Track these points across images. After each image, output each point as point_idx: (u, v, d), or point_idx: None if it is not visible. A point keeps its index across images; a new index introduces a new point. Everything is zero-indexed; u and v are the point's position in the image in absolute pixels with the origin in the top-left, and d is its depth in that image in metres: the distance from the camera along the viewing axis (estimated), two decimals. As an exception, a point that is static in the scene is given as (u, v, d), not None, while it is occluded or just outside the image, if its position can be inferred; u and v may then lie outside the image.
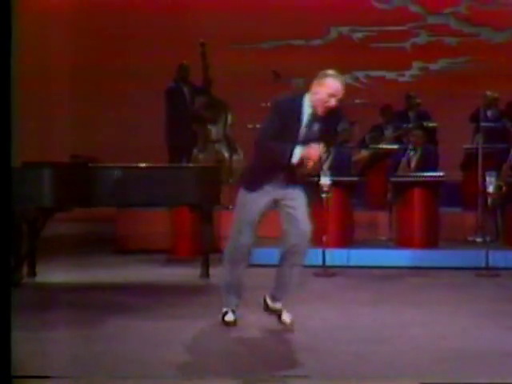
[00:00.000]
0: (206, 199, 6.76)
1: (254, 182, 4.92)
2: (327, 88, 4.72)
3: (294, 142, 4.74)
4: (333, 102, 4.71)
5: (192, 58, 9.55)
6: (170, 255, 8.15)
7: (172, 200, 6.73)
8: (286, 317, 5.05)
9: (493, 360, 4.31)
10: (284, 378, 4.02)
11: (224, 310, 5.10)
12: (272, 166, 4.83)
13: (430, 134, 9.59)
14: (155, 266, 7.73)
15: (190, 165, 7.68)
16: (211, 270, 6.92)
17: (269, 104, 9.58)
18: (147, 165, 6.77)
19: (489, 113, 9.69)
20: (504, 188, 7.63)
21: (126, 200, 6.71)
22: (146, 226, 8.57)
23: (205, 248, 6.94)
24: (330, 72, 4.88)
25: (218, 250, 7.91)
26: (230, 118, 9.51)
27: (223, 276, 5.17)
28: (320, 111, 4.72)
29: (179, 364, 4.20)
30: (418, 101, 10.33)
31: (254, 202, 4.95)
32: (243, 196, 4.97)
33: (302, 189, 5.03)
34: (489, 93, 9.76)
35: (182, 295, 6.32)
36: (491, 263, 7.12)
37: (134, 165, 6.76)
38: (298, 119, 4.78)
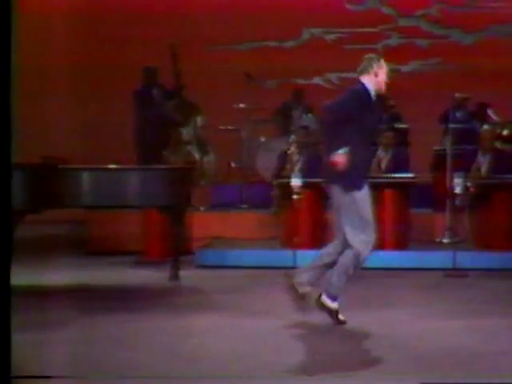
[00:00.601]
0: (176, 201, 6.74)
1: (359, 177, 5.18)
2: (384, 67, 5.26)
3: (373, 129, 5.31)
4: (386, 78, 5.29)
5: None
6: (141, 257, 8.14)
7: (143, 201, 6.70)
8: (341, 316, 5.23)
9: (462, 359, 4.38)
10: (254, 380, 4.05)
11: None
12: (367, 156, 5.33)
13: (401, 135, 9.64)
14: (126, 268, 7.70)
15: (161, 166, 7.66)
16: (182, 272, 6.91)
17: (241, 105, 9.75)
18: (118, 166, 6.75)
19: (458, 114, 9.76)
20: (471, 189, 7.72)
21: (96, 201, 6.68)
22: (118, 227, 8.55)
23: (175, 250, 6.92)
24: (373, 54, 5.38)
25: (189, 251, 7.94)
26: (200, 119, 9.50)
27: (347, 272, 5.24)
28: (383, 90, 5.28)
29: (149, 365, 4.20)
30: (392, 103, 10.38)
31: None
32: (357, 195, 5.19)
33: None
34: (458, 94, 9.84)
35: (151, 297, 6.33)
36: (459, 264, 7.19)
37: (105, 166, 6.74)
38: (373, 107, 5.25)
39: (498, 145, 8.46)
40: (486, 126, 8.65)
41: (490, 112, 9.55)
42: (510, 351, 4.57)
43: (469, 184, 7.63)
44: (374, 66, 5.22)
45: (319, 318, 5.42)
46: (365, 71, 5.25)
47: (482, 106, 9.80)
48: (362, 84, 5.22)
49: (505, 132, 9.11)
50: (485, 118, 9.45)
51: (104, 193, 6.53)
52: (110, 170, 6.67)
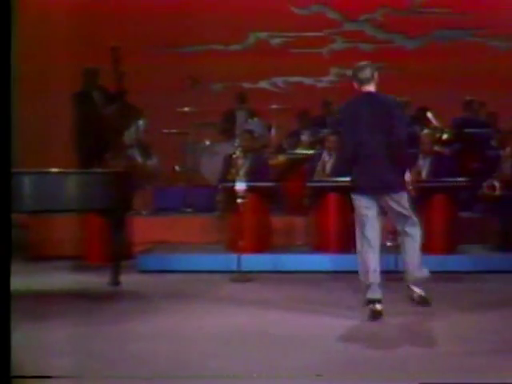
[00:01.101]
0: (116, 205, 6.66)
1: None
2: None
3: None
4: None
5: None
6: (82, 261, 8.03)
7: (82, 205, 6.60)
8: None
9: (394, 359, 4.40)
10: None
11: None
12: None
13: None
14: (66, 273, 7.62)
15: (100, 170, 7.56)
16: (123, 277, 6.83)
17: (186, 109, 9.68)
18: (58, 170, 6.64)
19: (400, 118, 9.84)
20: (412, 192, 7.77)
21: (37, 206, 6.56)
22: (59, 232, 8.43)
23: (115, 254, 6.83)
24: (366, 62, 5.73)
25: (130, 256, 7.85)
26: (142, 123, 9.38)
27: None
28: None
29: (91, 370, 4.17)
30: (336, 107, 10.44)
31: None
32: None
33: None
34: (399, 99, 9.92)
35: (90, 302, 6.24)
36: (400, 266, 7.22)
37: (45, 170, 6.63)
38: None
39: (437, 148, 8.56)
40: (426, 131, 8.75)
41: (429, 115, 9.67)
42: (438, 352, 4.61)
43: (410, 187, 7.68)
44: (376, 73, 5.59)
45: (256, 321, 5.43)
46: (372, 80, 5.55)
47: (422, 110, 9.92)
48: (376, 92, 5.56)
49: (444, 136, 9.24)
50: (424, 122, 9.56)
51: (44, 197, 6.41)
52: (50, 173, 6.55)
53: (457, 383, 4.00)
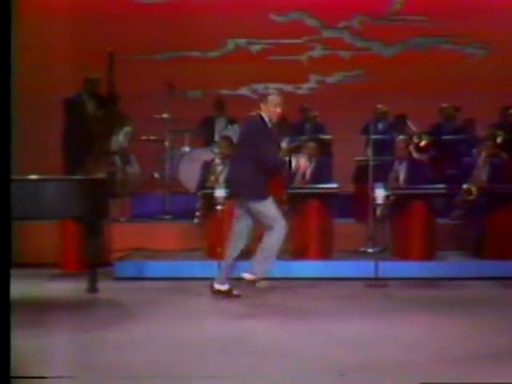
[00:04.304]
0: (92, 212, 6.62)
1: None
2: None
3: None
4: None
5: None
6: (59, 269, 7.97)
7: (58, 213, 6.55)
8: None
9: (380, 370, 4.38)
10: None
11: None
12: None
13: (325, 146, 9.70)
14: (44, 281, 7.54)
15: (76, 177, 7.49)
16: (100, 284, 6.79)
17: (164, 116, 9.60)
18: (34, 177, 6.58)
19: (379, 125, 9.91)
20: (391, 199, 7.81)
21: (13, 213, 6.47)
22: (36, 239, 8.34)
23: (92, 262, 6.78)
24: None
25: (108, 263, 7.79)
26: (129, 130, 9.26)
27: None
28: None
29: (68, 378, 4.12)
30: (315, 113, 10.46)
31: None
32: None
33: None
34: (379, 106, 9.97)
35: (67, 310, 6.18)
36: (381, 273, 7.24)
37: (22, 177, 6.56)
38: None
39: (413, 153, 8.58)
40: (401, 136, 8.79)
41: (409, 123, 9.72)
42: (411, 359, 4.60)
43: (389, 193, 7.71)
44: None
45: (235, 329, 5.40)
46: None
47: (401, 118, 9.97)
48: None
49: (422, 143, 9.27)
50: (403, 129, 9.60)
51: (19, 204, 6.34)
52: (26, 180, 6.49)
53: (457, 383, 4.03)
